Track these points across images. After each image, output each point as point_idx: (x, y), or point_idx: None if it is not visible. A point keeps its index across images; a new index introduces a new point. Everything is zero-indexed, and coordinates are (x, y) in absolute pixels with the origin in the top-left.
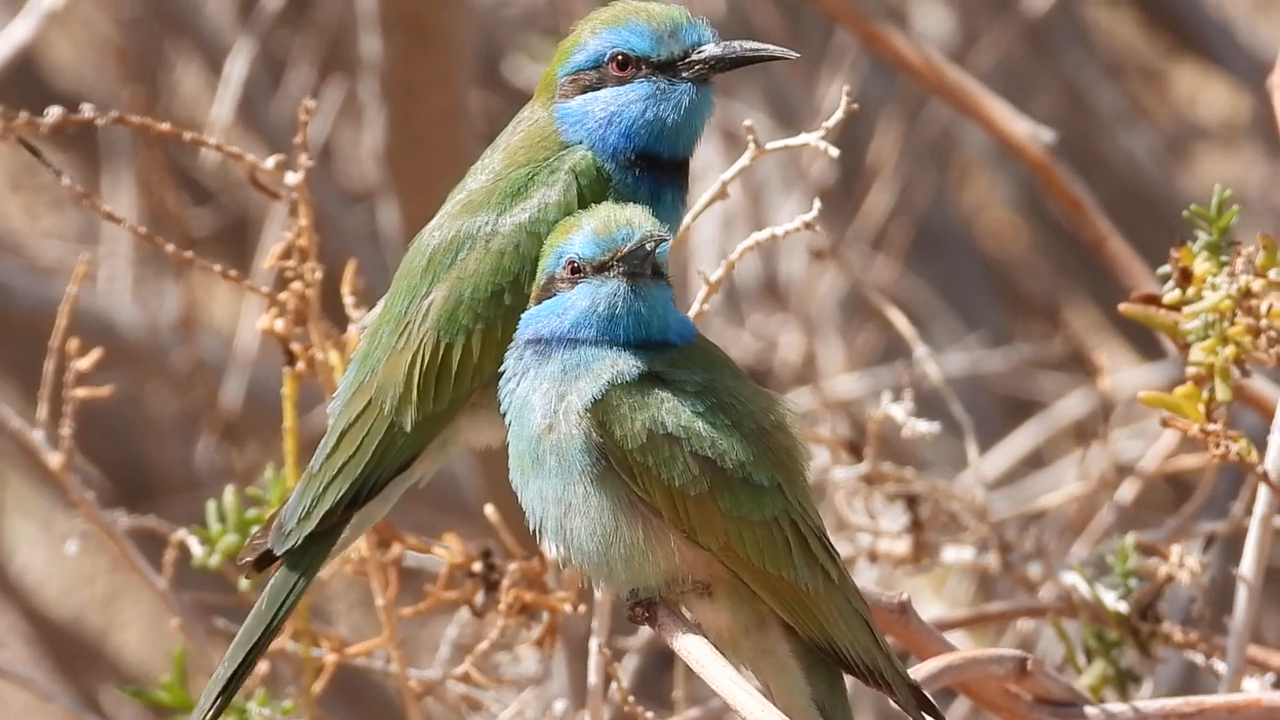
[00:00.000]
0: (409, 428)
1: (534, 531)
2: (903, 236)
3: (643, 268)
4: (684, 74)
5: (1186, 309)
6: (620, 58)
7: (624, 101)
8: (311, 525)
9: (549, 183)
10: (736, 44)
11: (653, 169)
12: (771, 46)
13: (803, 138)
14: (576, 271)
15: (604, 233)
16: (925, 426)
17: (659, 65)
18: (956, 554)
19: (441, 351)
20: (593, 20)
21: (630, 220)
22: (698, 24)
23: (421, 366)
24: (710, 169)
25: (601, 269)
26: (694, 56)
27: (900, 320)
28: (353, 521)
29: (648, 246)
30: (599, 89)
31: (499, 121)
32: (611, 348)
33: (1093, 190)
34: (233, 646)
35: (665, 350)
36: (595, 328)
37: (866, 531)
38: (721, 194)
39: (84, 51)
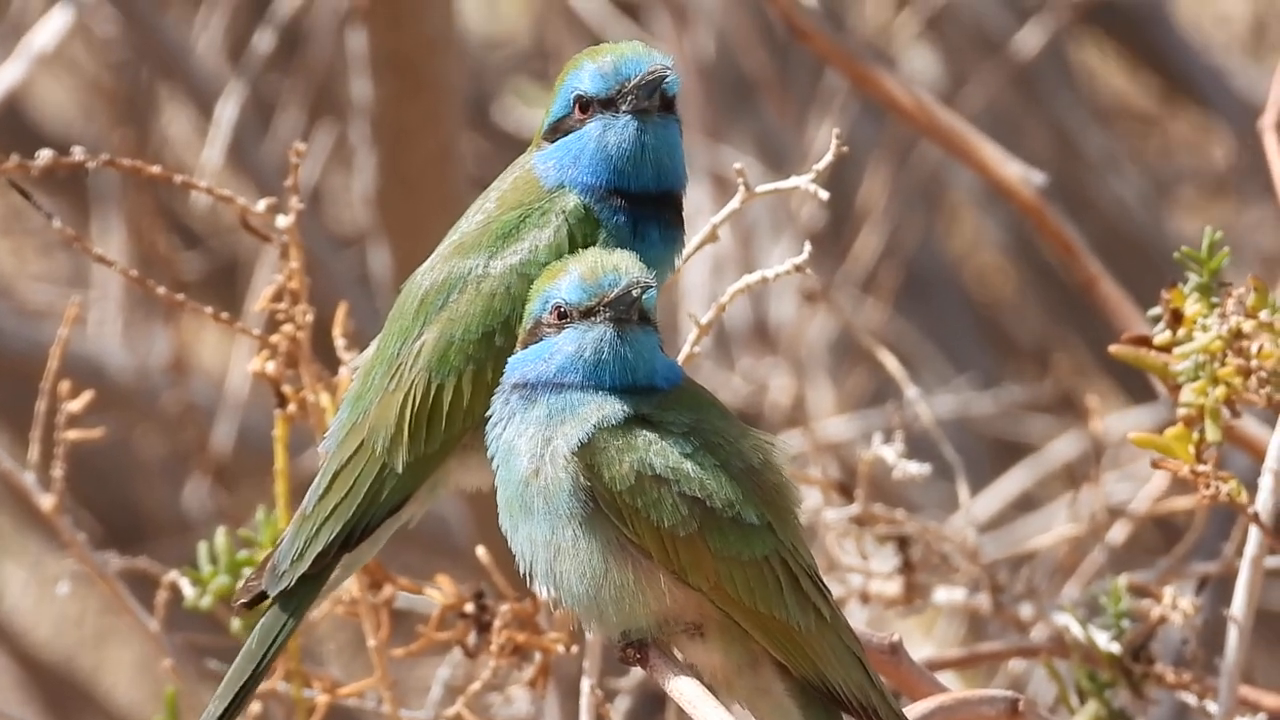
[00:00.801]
0: (401, 469)
1: (524, 575)
2: (892, 279)
3: (629, 313)
4: (622, 107)
5: (1177, 350)
6: (581, 100)
7: (582, 142)
8: (305, 566)
9: (540, 224)
10: (647, 69)
11: (633, 205)
12: (660, 65)
13: (793, 181)
14: (563, 316)
15: (590, 278)
16: (916, 468)
17: (604, 102)
18: (948, 595)
19: (433, 393)
20: (566, 68)
21: (617, 266)
22: (640, 55)
23: (413, 408)
24: (700, 212)
25: (588, 314)
26: (625, 88)
27: (891, 362)
28: (343, 561)
29: (634, 293)
30: (568, 133)
31: (489, 164)
32: (597, 392)
33: (1082, 234)
34: (223, 684)
35: (652, 394)
36: (581, 373)
37: (858, 572)
38: (712, 237)
39: (73, 95)
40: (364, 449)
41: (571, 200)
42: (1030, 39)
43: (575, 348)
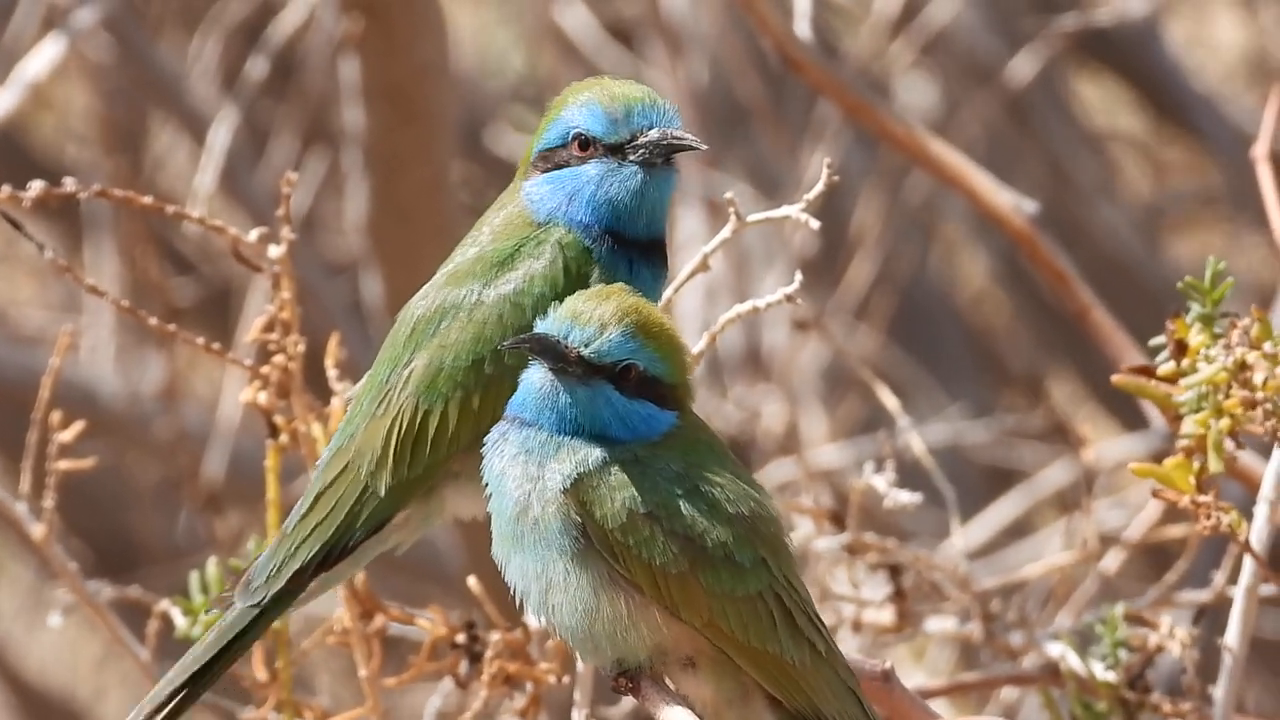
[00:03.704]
0: (383, 492)
1: (518, 604)
2: (884, 307)
3: (558, 364)
4: (630, 157)
5: (1182, 381)
6: (581, 138)
7: (580, 181)
8: (280, 583)
9: (535, 254)
10: (670, 132)
11: (624, 245)
12: (692, 138)
13: (784, 210)
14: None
15: (559, 320)
16: (907, 497)
17: (610, 148)
18: (939, 623)
19: (420, 418)
20: (563, 97)
21: (574, 314)
22: (653, 106)
23: (399, 432)
24: (693, 240)
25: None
26: (639, 140)
27: (884, 392)
28: (320, 579)
29: (532, 344)
30: (563, 167)
31: (481, 192)
32: (583, 438)
33: (1073, 262)
34: (172, 671)
35: (628, 442)
36: (532, 412)
37: (849, 601)
38: (703, 266)
39: (66, 121)
40: (348, 471)
41: (568, 232)
42: (1023, 67)
43: (526, 386)
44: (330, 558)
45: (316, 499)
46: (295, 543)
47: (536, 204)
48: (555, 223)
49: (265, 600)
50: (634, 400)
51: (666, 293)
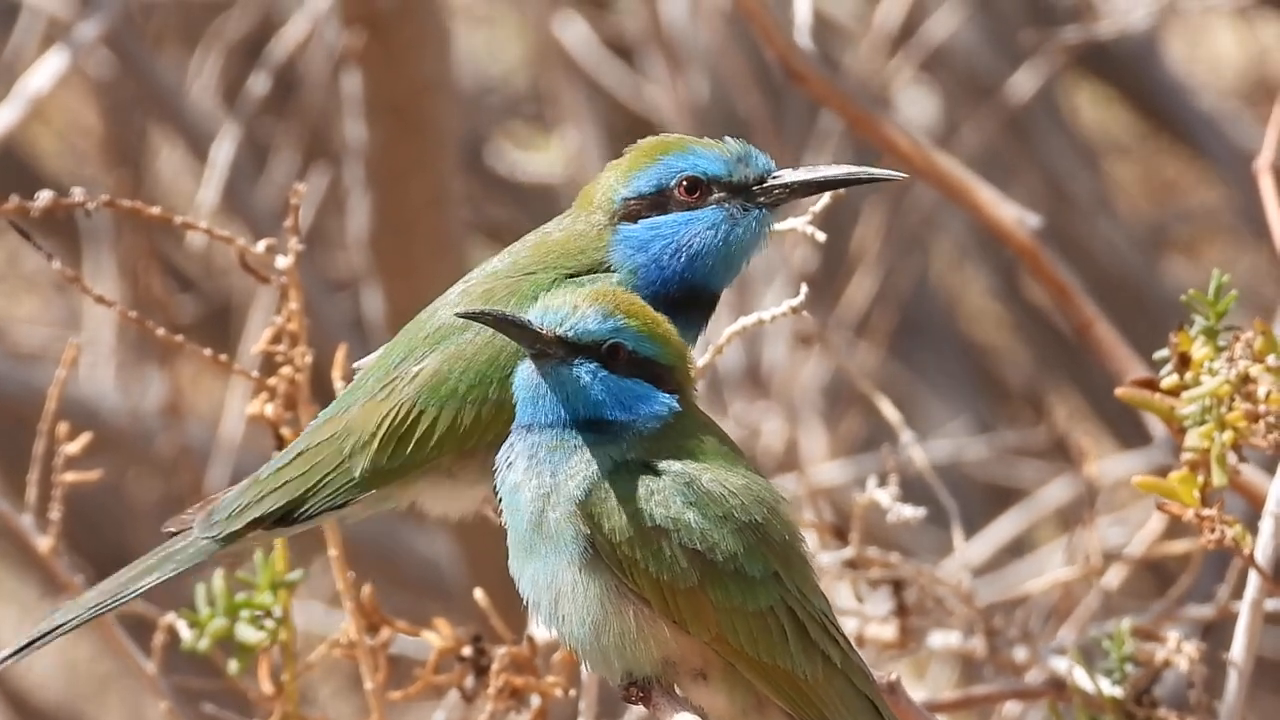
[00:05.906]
0: (356, 474)
1: (531, 615)
2: (885, 323)
3: (535, 347)
4: (760, 199)
5: (1185, 394)
6: (688, 181)
7: (695, 228)
8: (237, 525)
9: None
10: (822, 169)
11: (687, 306)
12: (867, 170)
13: (791, 222)
14: None
15: (532, 314)
16: (910, 511)
17: (733, 188)
18: (943, 639)
19: (414, 416)
20: (654, 144)
21: (545, 304)
22: (760, 151)
23: (391, 424)
24: None
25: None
26: (771, 181)
27: (887, 407)
28: (267, 532)
29: (495, 319)
30: (664, 213)
31: (482, 208)
32: (588, 434)
33: (1075, 277)
34: (108, 582)
35: (642, 433)
36: (529, 411)
37: (852, 616)
38: None
39: (66, 137)
40: (333, 441)
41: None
42: (1023, 83)
43: (519, 388)
44: (290, 516)
45: (296, 456)
46: (263, 491)
47: (630, 251)
48: (614, 272)
49: (221, 536)
50: (627, 379)
51: None
